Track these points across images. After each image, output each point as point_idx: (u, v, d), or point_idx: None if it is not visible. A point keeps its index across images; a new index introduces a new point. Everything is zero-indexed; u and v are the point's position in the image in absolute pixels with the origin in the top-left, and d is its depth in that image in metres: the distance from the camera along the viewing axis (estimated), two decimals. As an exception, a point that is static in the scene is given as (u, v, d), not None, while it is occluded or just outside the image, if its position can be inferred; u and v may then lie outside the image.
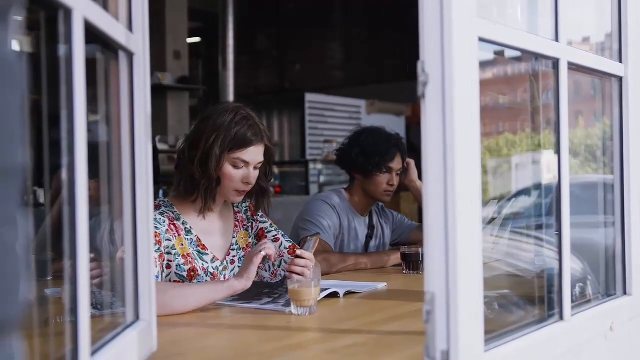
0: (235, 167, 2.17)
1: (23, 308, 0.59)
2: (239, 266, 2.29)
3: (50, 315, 1.31)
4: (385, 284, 2.35)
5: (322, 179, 7.53)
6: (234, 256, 2.31)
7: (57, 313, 1.37)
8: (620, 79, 1.79)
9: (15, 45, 0.60)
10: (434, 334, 1.16)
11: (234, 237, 2.33)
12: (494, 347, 1.27)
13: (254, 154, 2.19)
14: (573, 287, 1.61)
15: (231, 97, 8.79)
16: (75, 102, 1.00)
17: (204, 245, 2.22)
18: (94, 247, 1.09)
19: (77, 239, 1.00)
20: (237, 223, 2.36)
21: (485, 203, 1.28)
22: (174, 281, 2.13)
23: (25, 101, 0.60)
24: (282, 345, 1.57)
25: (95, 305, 1.35)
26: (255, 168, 2.21)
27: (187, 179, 2.18)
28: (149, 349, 1.38)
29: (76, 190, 1.00)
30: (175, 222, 2.18)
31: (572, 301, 1.54)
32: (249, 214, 2.40)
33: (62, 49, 1.01)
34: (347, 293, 2.15)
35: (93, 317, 1.08)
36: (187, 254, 2.16)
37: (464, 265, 1.16)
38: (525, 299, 1.71)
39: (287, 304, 1.89)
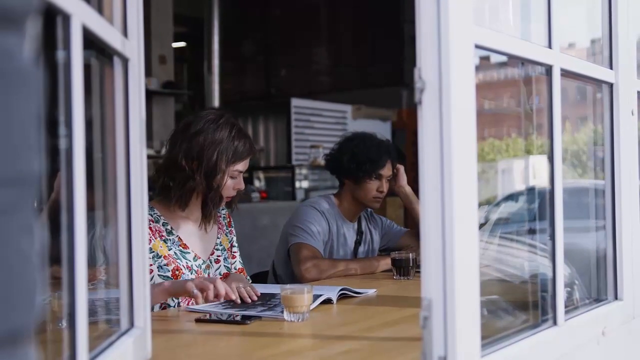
0: (232, 177, 2.27)
1: (38, 316, 0.59)
2: (224, 265, 2.38)
3: (47, 321, 1.29)
4: (375, 290, 2.35)
5: (308, 184, 7.52)
6: (218, 255, 2.38)
7: (50, 320, 1.37)
8: (610, 85, 1.81)
9: (31, 53, 0.59)
10: (431, 339, 1.16)
11: (218, 238, 2.40)
12: (491, 352, 1.27)
13: (247, 163, 2.31)
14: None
15: (216, 102, 8.77)
16: (74, 107, 0.99)
17: (185, 244, 2.27)
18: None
19: (74, 245, 0.99)
20: (220, 225, 2.43)
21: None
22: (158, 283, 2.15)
23: (41, 109, 0.60)
24: (277, 352, 1.56)
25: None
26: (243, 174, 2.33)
27: (189, 191, 2.23)
28: (143, 356, 1.37)
29: (74, 196, 0.99)
30: (154, 224, 2.22)
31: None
32: (226, 221, 2.48)
33: (59, 54, 1.00)
34: (341, 296, 2.16)
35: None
36: (168, 255, 2.21)
37: (461, 270, 1.16)
38: (518, 305, 1.71)
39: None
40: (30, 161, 0.57)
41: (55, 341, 1.17)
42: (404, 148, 7.62)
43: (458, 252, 1.15)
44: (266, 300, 2.11)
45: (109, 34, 1.20)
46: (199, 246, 2.31)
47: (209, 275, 2.31)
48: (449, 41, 1.15)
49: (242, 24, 10.15)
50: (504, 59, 1.56)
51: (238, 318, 1.86)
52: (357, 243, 3.11)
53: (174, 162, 2.22)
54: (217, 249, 2.38)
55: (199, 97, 8.85)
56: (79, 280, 1.00)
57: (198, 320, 1.85)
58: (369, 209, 3.18)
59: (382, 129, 7.79)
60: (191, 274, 2.23)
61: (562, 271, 1.53)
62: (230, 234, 2.48)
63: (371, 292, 2.33)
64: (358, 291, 2.25)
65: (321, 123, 8.21)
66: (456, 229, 1.15)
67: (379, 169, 2.98)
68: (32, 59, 0.59)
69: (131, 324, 1.35)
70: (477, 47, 1.24)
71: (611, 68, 1.81)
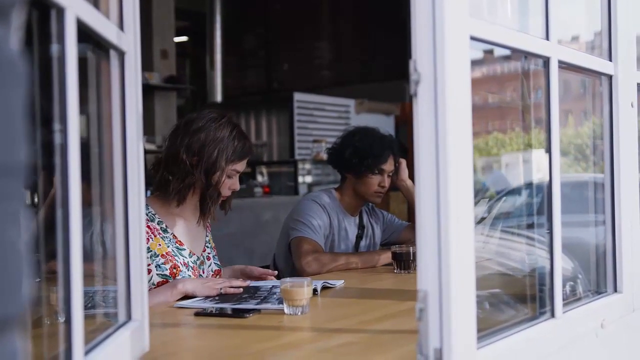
0: (229, 177, 2.30)
1: (25, 306, 0.60)
2: (215, 262, 2.43)
3: (42, 315, 1.30)
4: (343, 281, 2.38)
5: (311, 179, 7.52)
6: (208, 253, 2.43)
7: (47, 314, 1.37)
8: (610, 77, 1.80)
9: (17, 44, 0.60)
10: (427, 331, 1.17)
11: (207, 236, 2.45)
12: (487, 344, 1.27)
13: (245, 164, 2.35)
14: (564, 285, 1.62)
15: (219, 97, 8.78)
16: (68, 101, 0.99)
17: (180, 241, 2.30)
18: (83, 248, 1.08)
19: (70, 239, 0.99)
20: (208, 224, 2.47)
21: (475, 202, 1.28)
22: (158, 282, 2.16)
23: (27, 100, 0.60)
24: (275, 345, 1.56)
25: (85, 305, 1.34)
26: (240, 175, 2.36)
27: (187, 187, 2.24)
28: (141, 349, 1.38)
29: (69, 191, 0.99)
30: (149, 223, 2.23)
31: (563, 299, 1.54)
32: (209, 221, 2.50)
33: (54, 48, 1.00)
34: (324, 288, 2.21)
35: (84, 317, 1.08)
36: (166, 253, 2.24)
37: (456, 262, 1.16)
38: (517, 297, 1.71)
39: (281, 302, 1.89)
40: (17, 152, 0.58)
41: (54, 335, 1.17)
42: (407, 142, 7.61)
43: (453, 243, 1.15)
44: (253, 293, 2.11)
45: (104, 27, 1.20)
46: (191, 243, 2.35)
47: (203, 271, 2.34)
48: (444, 33, 1.14)
49: (244, 19, 10.15)
50: (508, 52, 1.56)
51: (232, 311, 1.87)
52: (359, 237, 3.11)
53: (174, 157, 2.23)
54: (207, 247, 2.43)
55: (201, 92, 8.86)
56: (74, 273, 1.00)
57: (197, 314, 1.86)
58: (371, 203, 3.18)
59: (385, 123, 7.78)
60: (188, 270, 2.25)
61: (560, 264, 1.53)
62: (209, 234, 2.51)
63: (338, 283, 2.36)
64: (333, 283, 2.31)
65: (324, 117, 8.20)
66: (451, 220, 1.15)
67: (381, 163, 2.97)
68: (17, 50, 0.59)
69: (129, 316, 1.36)
70: (473, 39, 1.23)
71: (610, 60, 1.81)
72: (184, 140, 2.24)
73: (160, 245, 2.22)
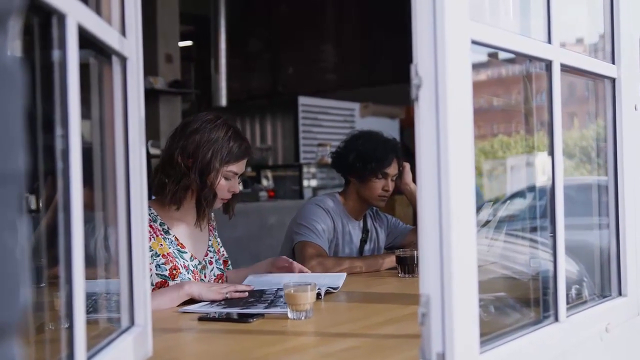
0: (226, 178, 2.29)
1: (23, 312, 0.60)
2: (217, 267, 2.42)
3: (45, 321, 1.30)
4: (344, 274, 2.38)
5: (316, 182, 7.52)
6: (211, 257, 2.42)
7: (51, 319, 1.37)
8: (613, 80, 1.80)
9: (15, 51, 0.60)
10: (429, 336, 1.16)
11: (209, 240, 2.44)
12: (490, 348, 1.27)
13: (243, 165, 2.33)
14: (569, 289, 1.62)
15: (224, 101, 8.78)
16: (70, 107, 1.00)
17: (182, 244, 2.31)
18: (87, 254, 1.09)
19: (72, 244, 1.00)
20: (210, 228, 2.47)
21: (479, 205, 1.28)
22: (157, 282, 2.17)
23: (25, 107, 0.61)
24: (279, 350, 1.56)
25: (88, 310, 1.34)
26: (239, 177, 2.34)
27: (183, 189, 2.24)
28: (144, 354, 1.38)
29: (71, 196, 1.00)
30: (151, 223, 2.25)
31: (568, 303, 1.54)
32: (214, 224, 2.51)
33: (55, 54, 1.01)
34: (327, 293, 2.20)
35: (87, 322, 1.08)
36: (167, 254, 2.24)
37: (458, 267, 1.16)
38: (521, 301, 1.71)
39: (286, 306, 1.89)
40: (14, 159, 0.58)
41: (57, 340, 1.17)
42: (412, 145, 7.60)
43: (455, 247, 1.15)
44: (259, 297, 2.11)
45: (106, 33, 1.20)
46: (194, 247, 2.35)
47: (205, 276, 2.34)
48: (444, 37, 1.15)
49: (248, 22, 10.15)
50: (512, 55, 1.56)
51: (236, 316, 1.86)
52: (363, 241, 3.11)
53: (170, 160, 2.25)
54: (210, 251, 2.42)
55: (206, 96, 8.87)
56: (76, 279, 1.00)
57: (201, 319, 1.86)
58: (375, 207, 3.18)
59: (390, 127, 7.78)
60: (188, 273, 2.25)
61: (564, 267, 1.52)
62: (216, 237, 2.51)
63: (341, 280, 2.35)
64: (335, 288, 2.28)
65: (329, 121, 8.20)
66: (453, 224, 1.15)
67: (384, 167, 2.97)
68: (15, 57, 0.59)
69: (131, 322, 1.36)
70: (474, 42, 1.23)
71: (614, 63, 1.80)
72: (180, 143, 2.26)
73: (162, 245, 2.23)
